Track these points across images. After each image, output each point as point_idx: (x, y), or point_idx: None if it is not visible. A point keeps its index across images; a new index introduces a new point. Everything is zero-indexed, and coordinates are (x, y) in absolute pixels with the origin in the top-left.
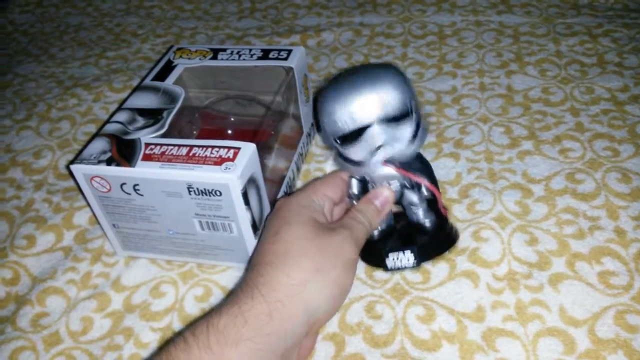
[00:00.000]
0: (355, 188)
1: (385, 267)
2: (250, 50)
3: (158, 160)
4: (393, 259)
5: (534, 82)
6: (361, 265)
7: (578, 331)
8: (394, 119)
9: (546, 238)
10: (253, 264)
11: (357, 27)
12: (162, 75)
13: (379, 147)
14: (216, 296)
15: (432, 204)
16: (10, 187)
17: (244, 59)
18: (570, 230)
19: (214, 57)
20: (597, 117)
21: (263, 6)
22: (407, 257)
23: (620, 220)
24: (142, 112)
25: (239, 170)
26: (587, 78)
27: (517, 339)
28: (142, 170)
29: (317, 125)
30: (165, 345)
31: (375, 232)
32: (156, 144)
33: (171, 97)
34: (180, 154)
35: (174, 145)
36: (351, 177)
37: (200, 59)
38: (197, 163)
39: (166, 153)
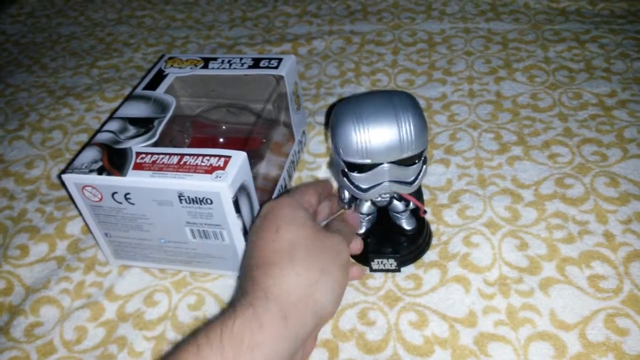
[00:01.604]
0: (346, 193)
1: (370, 268)
2: (241, 59)
3: (149, 169)
4: (377, 263)
5: (522, 88)
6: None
7: (569, 335)
8: (405, 164)
9: (536, 243)
10: (256, 264)
11: (347, 35)
12: (153, 85)
13: (382, 182)
14: (209, 304)
15: (414, 210)
16: (3, 198)
17: (234, 68)
18: (560, 234)
19: (205, 66)
20: (585, 122)
21: (254, 15)
22: (390, 263)
23: (609, 224)
24: (134, 121)
25: (229, 178)
26: (575, 84)
27: (509, 343)
28: (133, 180)
29: (328, 129)
30: (177, 349)
31: (361, 231)
32: (147, 153)
33: (162, 106)
34: (171, 162)
35: (165, 154)
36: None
37: (191, 68)
38: (188, 172)
39: (157, 162)
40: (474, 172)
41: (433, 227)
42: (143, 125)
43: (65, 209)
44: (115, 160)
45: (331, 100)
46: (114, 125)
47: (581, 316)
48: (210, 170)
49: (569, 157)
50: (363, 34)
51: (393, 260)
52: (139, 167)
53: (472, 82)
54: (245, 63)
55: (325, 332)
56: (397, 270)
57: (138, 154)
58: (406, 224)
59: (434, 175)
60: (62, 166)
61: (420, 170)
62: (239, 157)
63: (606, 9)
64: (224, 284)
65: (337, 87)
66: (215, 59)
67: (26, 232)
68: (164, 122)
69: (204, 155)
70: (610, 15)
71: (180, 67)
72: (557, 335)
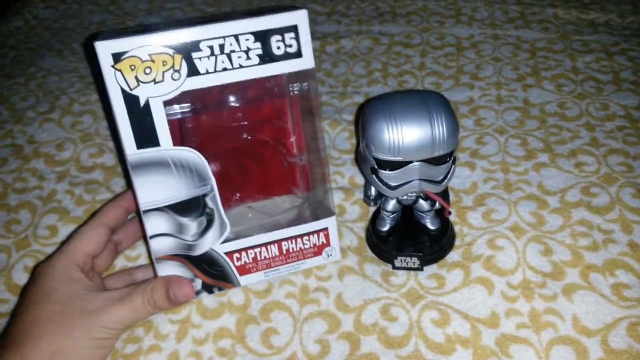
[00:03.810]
0: (372, 190)
1: (393, 266)
2: (240, 37)
3: (257, 270)
4: (401, 260)
5: (550, 97)
6: (377, 270)
7: (591, 341)
8: (436, 163)
9: (561, 249)
10: (5, 335)
11: (376, 35)
12: (141, 129)
13: (411, 180)
14: (234, 290)
15: (438, 211)
16: (33, 177)
17: (241, 65)
18: (585, 242)
19: (192, 70)
20: (612, 133)
21: None
22: (413, 261)
23: (634, 234)
24: (178, 208)
25: (337, 251)
26: (602, 95)
27: (531, 346)
28: (250, 283)
29: (357, 127)
30: None
31: (385, 228)
32: (239, 251)
33: (191, 169)
34: (273, 254)
35: (259, 245)
36: (368, 180)
37: (172, 77)
38: (298, 259)
39: (259, 259)
40: (499, 176)
41: (457, 229)
42: (194, 210)
43: (95, 192)
44: (211, 271)
45: (357, 98)
46: (161, 225)
47: (604, 323)
48: (318, 250)
49: (595, 167)
50: (391, 36)
51: (416, 258)
52: (244, 271)
53: (500, 88)
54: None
55: (347, 325)
56: (420, 269)
57: (230, 255)
58: (430, 224)
59: (459, 178)
60: (93, 150)
61: (450, 170)
62: (332, 224)
63: (635, 23)
64: None
65: (364, 87)
66: (197, 46)
67: (55, 213)
68: (216, 195)
69: (301, 236)
70: None
71: (147, 74)
72: (579, 341)
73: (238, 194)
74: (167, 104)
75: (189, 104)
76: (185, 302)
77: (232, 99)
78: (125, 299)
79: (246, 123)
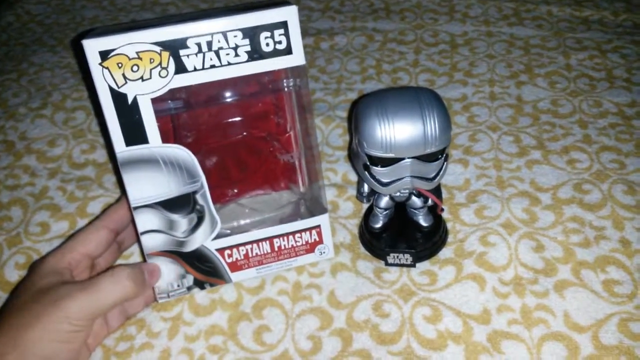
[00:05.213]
0: (365, 187)
1: (386, 262)
2: (231, 43)
3: (248, 267)
4: (393, 257)
5: (543, 94)
6: (370, 266)
7: (582, 337)
8: (428, 160)
9: (552, 245)
10: None
11: (370, 32)
12: (131, 127)
13: (403, 177)
14: (227, 287)
15: (431, 207)
16: (25, 174)
17: (230, 62)
18: (577, 238)
19: (180, 68)
20: (605, 130)
21: None
22: (405, 258)
23: (626, 231)
24: (168, 204)
25: (330, 249)
26: (595, 92)
27: (522, 342)
28: (242, 279)
29: (350, 124)
30: None
31: (378, 225)
32: (229, 248)
33: (180, 166)
34: (265, 251)
35: (250, 242)
36: (361, 177)
37: (159, 74)
38: (290, 257)
39: (250, 256)
40: (492, 173)
41: (449, 225)
42: (185, 207)
43: (87, 189)
44: (202, 267)
45: (351, 95)
46: (152, 221)
47: (595, 319)
48: (311, 248)
49: (588, 164)
50: (385, 32)
51: (409, 255)
52: (236, 267)
53: (493, 85)
54: (239, 51)
55: (339, 322)
56: (412, 265)
57: (220, 251)
58: (423, 221)
59: (452, 175)
60: (85, 146)
61: (442, 167)
62: (325, 221)
63: (629, 20)
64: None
65: (358, 83)
66: (184, 43)
67: (47, 210)
68: (206, 194)
69: (293, 234)
70: (633, 27)
71: (135, 72)
72: (570, 337)
73: (236, 190)
74: (161, 98)
75: (184, 99)
76: (155, 278)
77: (228, 94)
78: (88, 286)
79: (242, 119)
